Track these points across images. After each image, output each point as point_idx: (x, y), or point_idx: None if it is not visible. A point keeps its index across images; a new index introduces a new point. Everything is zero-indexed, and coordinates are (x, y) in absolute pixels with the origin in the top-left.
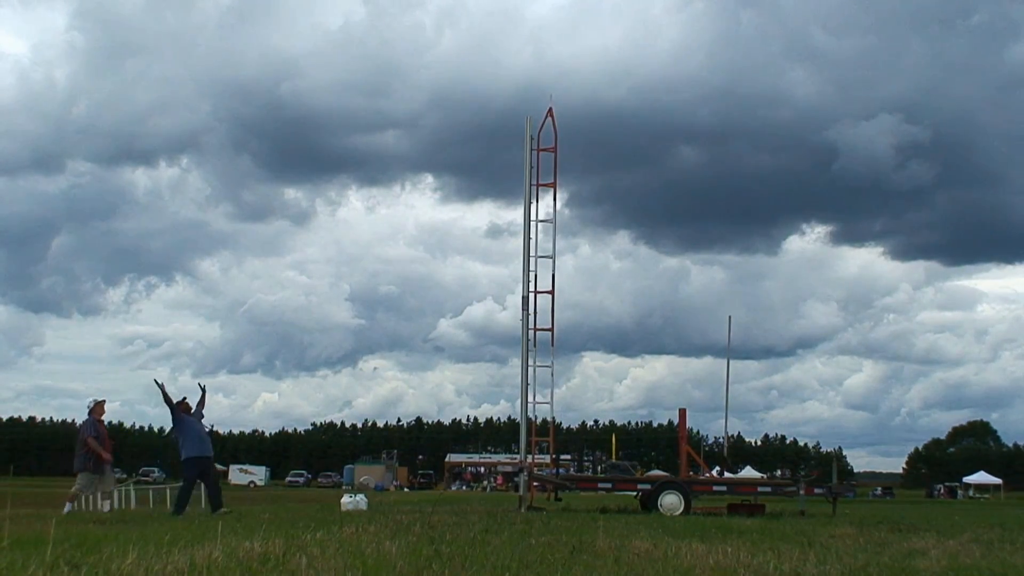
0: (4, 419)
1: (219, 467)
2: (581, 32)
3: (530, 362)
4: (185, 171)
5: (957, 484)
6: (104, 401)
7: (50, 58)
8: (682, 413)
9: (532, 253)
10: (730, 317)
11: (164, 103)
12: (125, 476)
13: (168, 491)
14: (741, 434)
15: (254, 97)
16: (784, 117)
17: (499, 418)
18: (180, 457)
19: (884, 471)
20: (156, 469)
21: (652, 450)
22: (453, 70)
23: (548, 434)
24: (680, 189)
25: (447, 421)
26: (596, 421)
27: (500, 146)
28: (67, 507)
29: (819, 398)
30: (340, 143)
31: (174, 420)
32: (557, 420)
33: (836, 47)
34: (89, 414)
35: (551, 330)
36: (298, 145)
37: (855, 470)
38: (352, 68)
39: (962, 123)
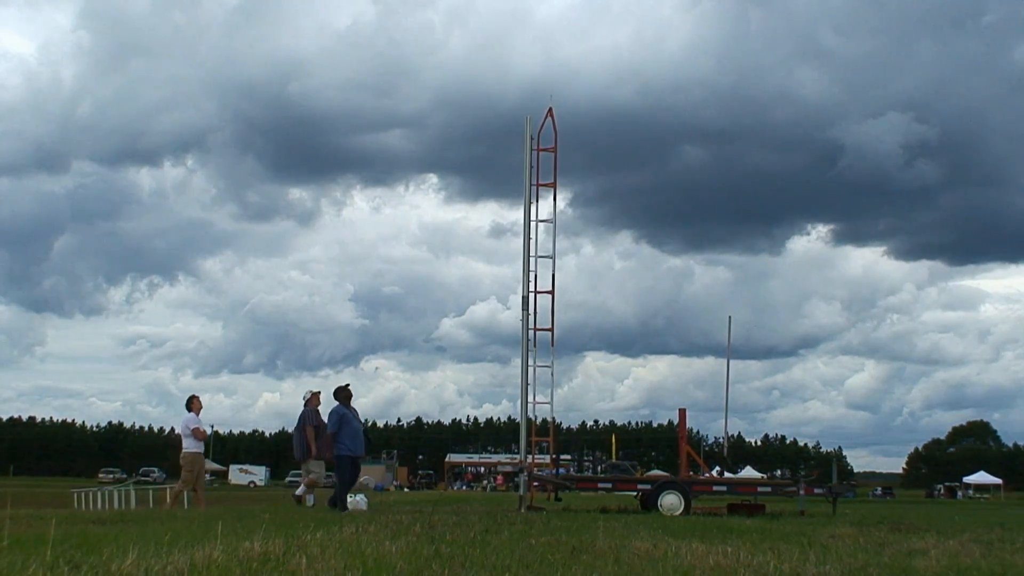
0: (4, 419)
1: (219, 467)
2: (590, 32)
3: (530, 362)
4: (190, 171)
5: (957, 484)
6: (319, 392)
7: (56, 58)
8: (682, 413)
9: (533, 253)
10: (730, 317)
11: (170, 103)
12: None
13: (168, 491)
14: (741, 434)
15: (260, 97)
16: (791, 117)
17: (499, 418)
18: (334, 452)
19: (884, 471)
20: (156, 469)
21: (652, 450)
22: (461, 70)
23: (548, 434)
24: (683, 189)
25: (447, 421)
26: (596, 421)
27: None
28: (301, 489)
29: (821, 398)
30: (345, 143)
31: (334, 413)
32: (557, 420)
33: (845, 46)
34: (306, 405)
35: (551, 330)
36: (303, 145)
37: (855, 470)
38: (360, 68)
39: (970, 122)
